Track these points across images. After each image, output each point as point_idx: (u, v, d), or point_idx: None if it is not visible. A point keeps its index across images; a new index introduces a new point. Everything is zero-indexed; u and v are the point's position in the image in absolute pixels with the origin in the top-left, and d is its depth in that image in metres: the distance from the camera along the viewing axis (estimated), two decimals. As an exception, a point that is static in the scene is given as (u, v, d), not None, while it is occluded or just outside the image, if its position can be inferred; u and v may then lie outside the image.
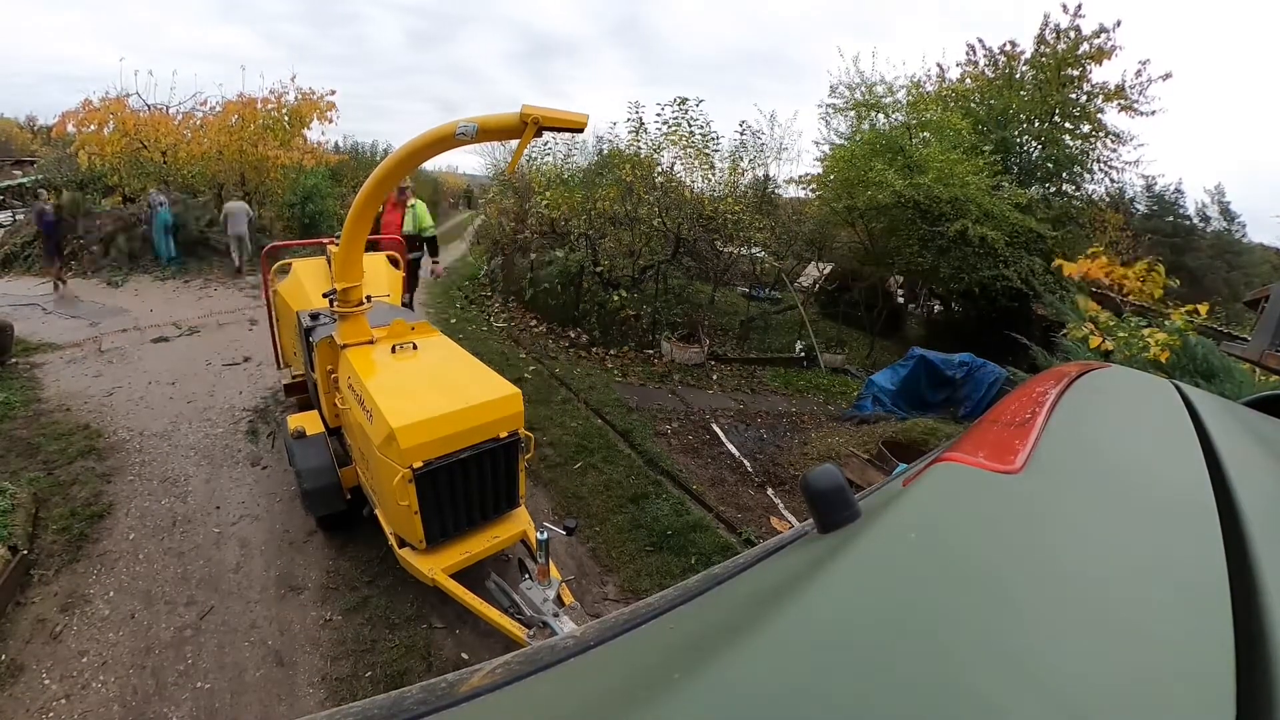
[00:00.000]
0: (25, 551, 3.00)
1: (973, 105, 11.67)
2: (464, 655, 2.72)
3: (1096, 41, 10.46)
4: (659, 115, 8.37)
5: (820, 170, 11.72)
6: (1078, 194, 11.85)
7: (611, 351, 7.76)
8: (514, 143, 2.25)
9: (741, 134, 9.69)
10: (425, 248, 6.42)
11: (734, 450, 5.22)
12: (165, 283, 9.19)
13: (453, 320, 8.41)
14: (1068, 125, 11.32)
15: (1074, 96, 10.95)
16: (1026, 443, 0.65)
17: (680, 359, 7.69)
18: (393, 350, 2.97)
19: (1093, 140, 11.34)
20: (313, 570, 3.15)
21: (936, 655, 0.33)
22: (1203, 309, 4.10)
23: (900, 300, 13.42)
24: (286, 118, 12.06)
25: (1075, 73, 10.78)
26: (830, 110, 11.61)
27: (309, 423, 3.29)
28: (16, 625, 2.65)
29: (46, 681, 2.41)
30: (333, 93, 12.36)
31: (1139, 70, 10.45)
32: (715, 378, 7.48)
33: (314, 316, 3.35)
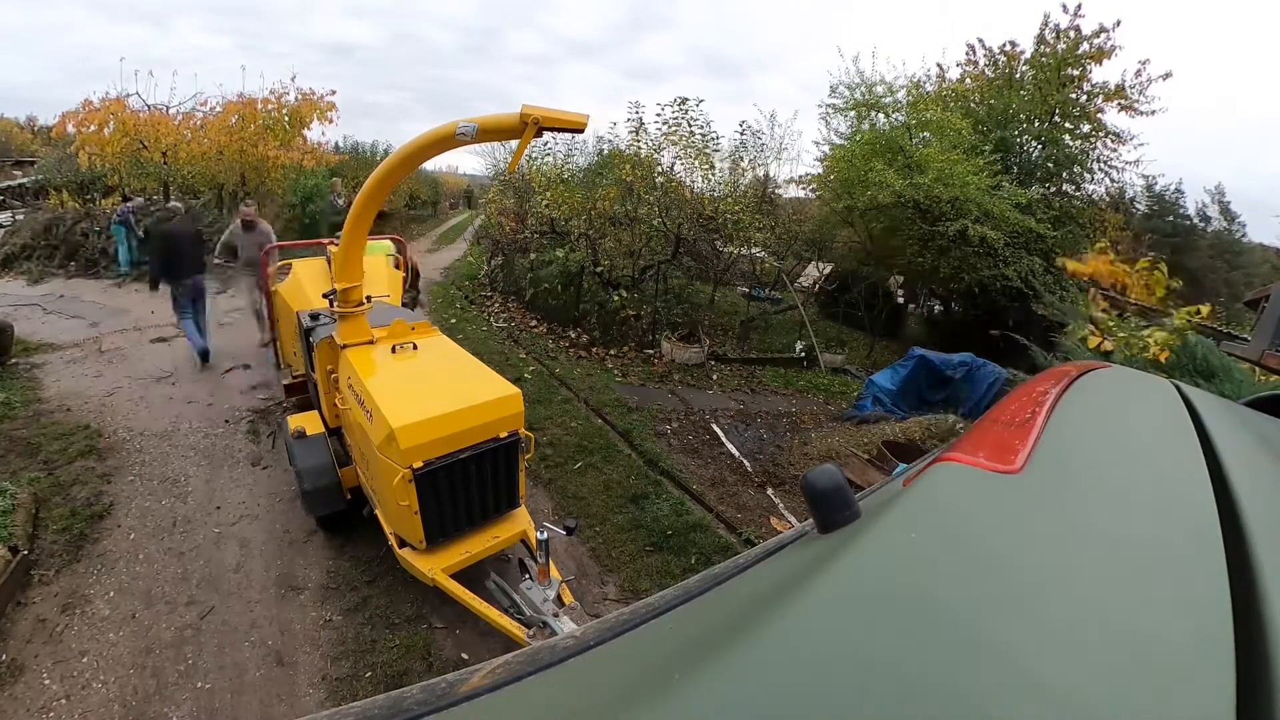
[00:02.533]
0: (25, 551, 2.99)
1: (973, 105, 11.66)
2: (464, 655, 2.72)
3: (1096, 41, 10.45)
4: (659, 115, 8.38)
5: (820, 170, 11.72)
6: (1078, 194, 11.83)
7: (611, 351, 7.76)
8: (514, 143, 2.25)
9: (742, 134, 9.69)
10: None
11: (734, 450, 5.21)
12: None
13: (453, 320, 8.41)
14: (1068, 125, 11.29)
15: (1074, 96, 10.92)
16: (1026, 443, 0.65)
17: (680, 359, 7.68)
18: (393, 350, 2.97)
19: (1093, 140, 11.31)
20: (313, 570, 3.15)
21: (936, 655, 0.33)
22: (1205, 310, 4.08)
23: (900, 300, 13.42)
24: (286, 118, 12.05)
25: (1075, 72, 10.76)
26: (830, 110, 11.60)
27: (309, 423, 3.29)
28: (17, 625, 2.65)
29: (47, 681, 2.41)
30: (333, 93, 12.36)
31: (1139, 70, 10.43)
32: (715, 378, 7.48)
33: (314, 317, 3.35)
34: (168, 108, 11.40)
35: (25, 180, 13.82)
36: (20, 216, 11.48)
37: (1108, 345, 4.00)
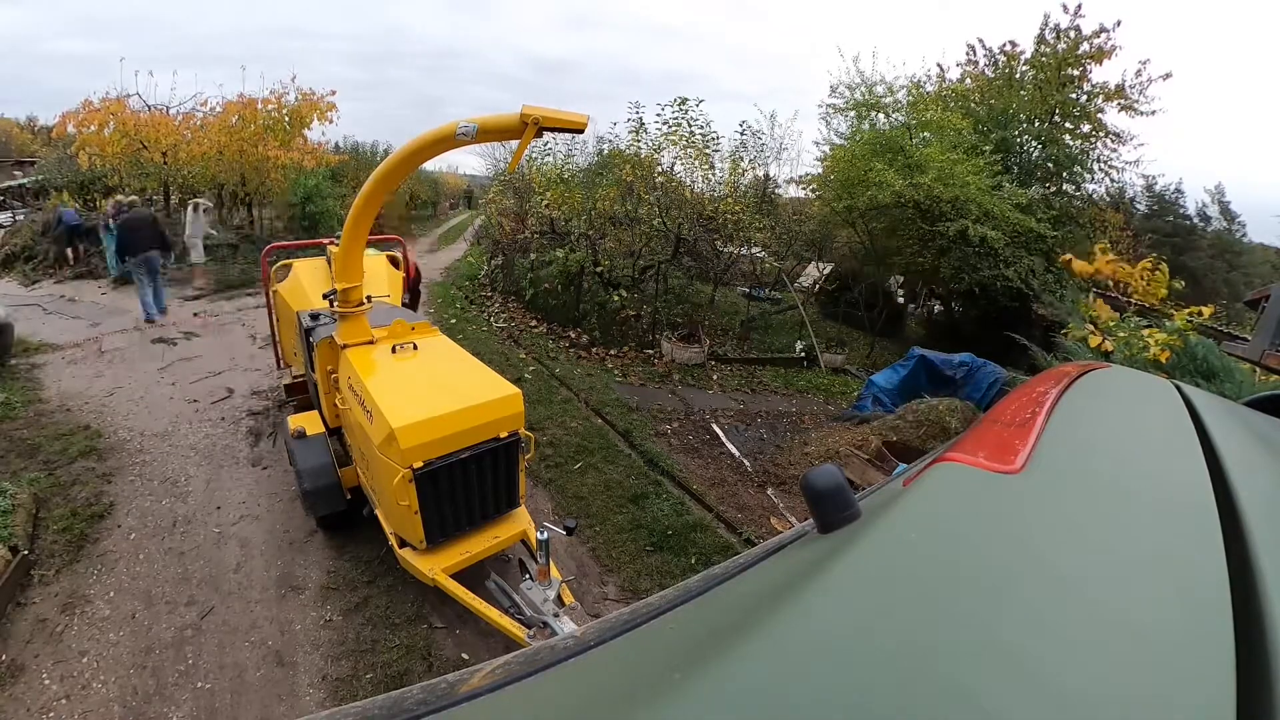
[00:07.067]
0: (26, 552, 2.99)
1: (973, 105, 11.66)
2: (464, 655, 2.72)
3: (1096, 41, 10.45)
4: (659, 115, 8.38)
5: (820, 170, 11.72)
6: (1078, 194, 11.83)
7: (611, 351, 7.76)
8: (515, 143, 2.25)
9: (742, 134, 9.70)
10: None
11: (734, 450, 5.21)
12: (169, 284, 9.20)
13: (453, 320, 8.41)
14: (1068, 125, 11.30)
15: (1074, 96, 10.93)
16: (1027, 443, 0.65)
17: (680, 359, 7.68)
18: (393, 350, 2.97)
19: (1093, 140, 11.32)
20: (313, 570, 3.15)
21: (937, 655, 0.33)
22: (1206, 311, 4.06)
23: (900, 300, 13.41)
24: (287, 118, 12.05)
25: (1075, 73, 10.77)
26: (830, 110, 11.60)
27: (309, 423, 3.29)
28: (17, 625, 2.65)
29: (47, 681, 2.41)
30: (333, 93, 12.37)
31: (1139, 70, 10.44)
32: (715, 378, 7.47)
33: (314, 317, 3.35)
34: (168, 108, 11.42)
35: (25, 180, 13.82)
36: (20, 217, 11.48)
37: (1108, 345, 4.00)
